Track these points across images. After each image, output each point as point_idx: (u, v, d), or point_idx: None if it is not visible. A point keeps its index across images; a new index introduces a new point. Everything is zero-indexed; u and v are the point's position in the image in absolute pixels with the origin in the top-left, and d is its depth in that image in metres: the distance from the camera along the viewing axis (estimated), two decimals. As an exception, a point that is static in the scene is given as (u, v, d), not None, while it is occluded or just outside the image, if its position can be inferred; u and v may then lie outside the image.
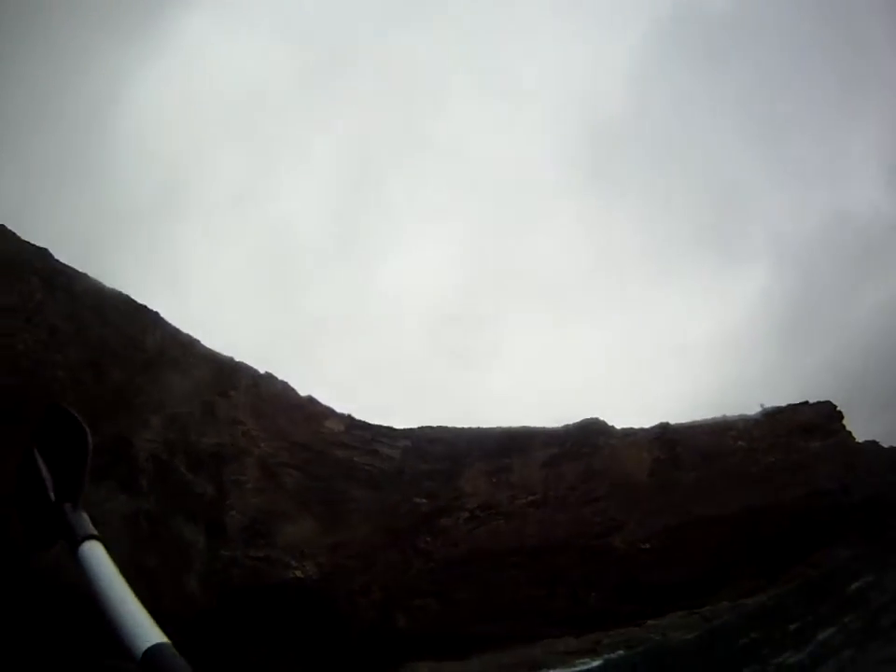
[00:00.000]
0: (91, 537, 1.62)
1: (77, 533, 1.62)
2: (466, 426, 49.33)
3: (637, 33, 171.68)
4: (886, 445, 39.15)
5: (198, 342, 37.89)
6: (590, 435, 48.09)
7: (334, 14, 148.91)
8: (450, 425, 49.26)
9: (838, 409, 40.08)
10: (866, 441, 39.18)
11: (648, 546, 39.11)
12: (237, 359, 40.37)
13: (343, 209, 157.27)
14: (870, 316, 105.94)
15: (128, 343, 34.18)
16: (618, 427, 46.85)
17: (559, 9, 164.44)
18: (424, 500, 44.51)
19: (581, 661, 32.32)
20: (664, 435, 43.93)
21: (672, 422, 44.52)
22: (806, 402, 41.08)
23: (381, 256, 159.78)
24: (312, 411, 44.58)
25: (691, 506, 39.46)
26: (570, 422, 48.67)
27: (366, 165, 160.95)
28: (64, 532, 1.64)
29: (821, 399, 41.03)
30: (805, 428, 39.17)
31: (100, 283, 33.62)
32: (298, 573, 35.97)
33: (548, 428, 49.64)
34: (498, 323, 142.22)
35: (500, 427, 49.90)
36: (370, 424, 47.23)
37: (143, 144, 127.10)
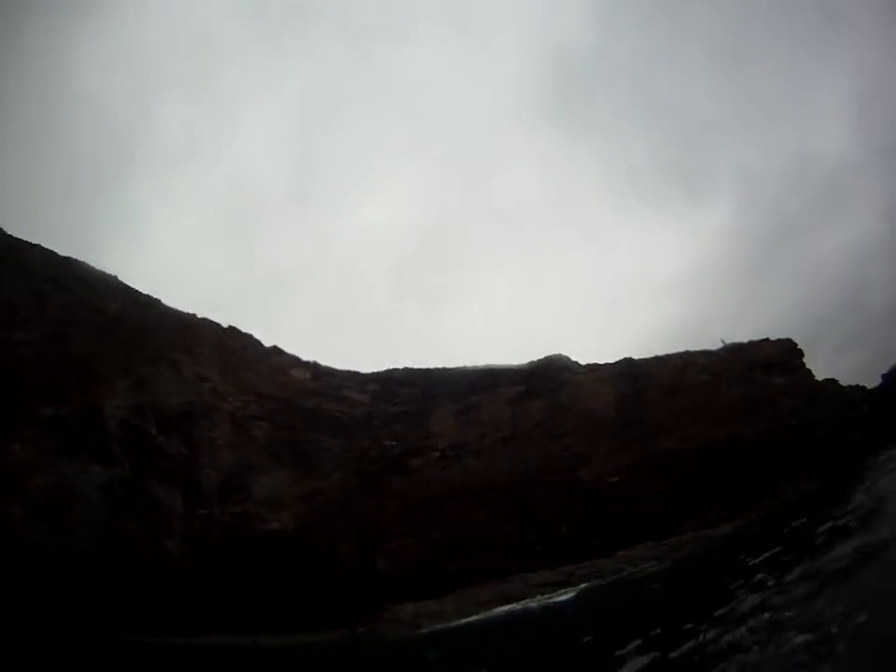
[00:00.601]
0: None
1: None
2: (433, 366, 49.55)
3: None
4: (844, 384, 40.54)
5: (159, 301, 37.01)
6: (554, 371, 48.77)
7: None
8: (417, 366, 49.43)
9: (798, 346, 41.21)
10: (825, 379, 40.48)
11: (615, 480, 40.34)
12: (199, 315, 39.57)
13: (302, 154, 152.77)
14: (833, 258, 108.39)
15: (89, 311, 33.21)
16: (583, 362, 47.43)
17: None
18: (394, 443, 45.03)
19: (556, 592, 33.51)
20: (627, 370, 44.86)
21: (636, 357, 45.26)
22: (767, 339, 42.15)
23: (342, 200, 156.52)
24: (277, 361, 44.29)
25: (655, 439, 40.67)
26: (536, 358, 49.29)
27: (324, 108, 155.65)
28: None
29: (783, 337, 42.15)
30: (767, 364, 40.29)
31: (55, 252, 32.22)
32: (275, 525, 36.36)
33: (513, 366, 50.19)
34: (463, 261, 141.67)
35: (467, 367, 50.30)
36: (336, 370, 47.17)
37: (92, 98, 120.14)
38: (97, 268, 34.77)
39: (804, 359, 40.68)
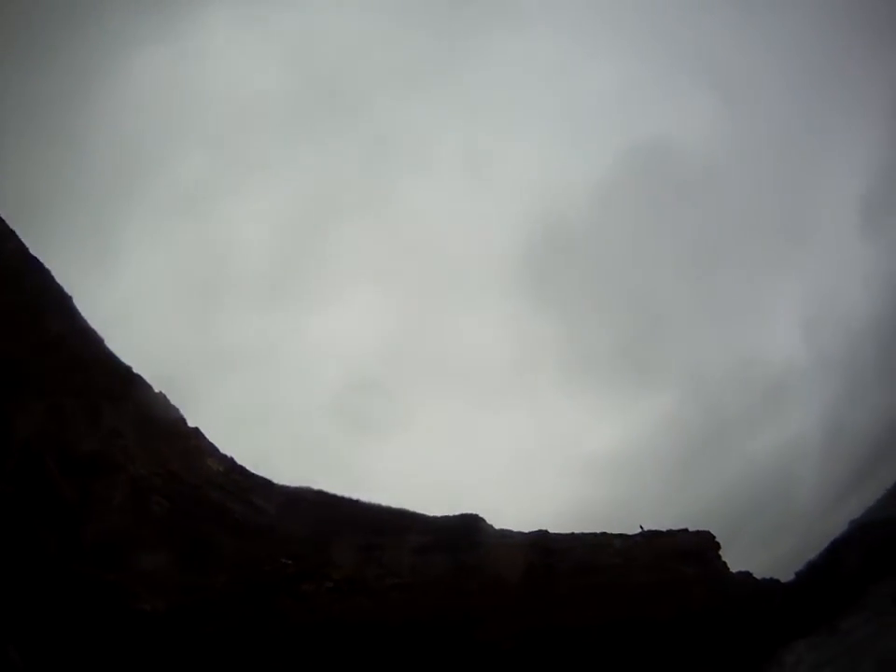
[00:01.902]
0: None
1: None
2: (346, 492, 48.29)
3: (613, 152, 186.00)
4: (760, 577, 41.38)
5: (102, 340, 35.83)
6: (466, 530, 47.97)
7: (348, 58, 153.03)
8: (331, 489, 48.05)
9: (716, 539, 42.23)
10: (740, 572, 41.26)
11: (510, 645, 38.60)
12: (135, 370, 38.31)
13: (286, 247, 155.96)
14: (764, 456, 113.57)
15: (32, 320, 31.83)
16: (498, 524, 46.98)
17: (548, 108, 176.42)
18: (290, 562, 42.49)
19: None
20: (541, 541, 44.54)
21: (553, 529, 45.27)
22: (686, 529, 43.06)
23: (310, 304, 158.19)
24: (196, 444, 42.56)
25: (558, 613, 39.66)
26: (451, 512, 48.62)
27: (321, 209, 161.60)
28: None
29: (703, 527, 43.17)
30: (682, 554, 40.89)
31: (27, 248, 31.55)
32: (147, 606, 33.03)
33: (426, 516, 49.29)
34: (408, 396, 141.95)
35: (379, 505, 49.11)
36: (250, 472, 45.39)
37: (117, 118, 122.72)
38: (57, 280, 33.80)
39: (719, 552, 41.46)
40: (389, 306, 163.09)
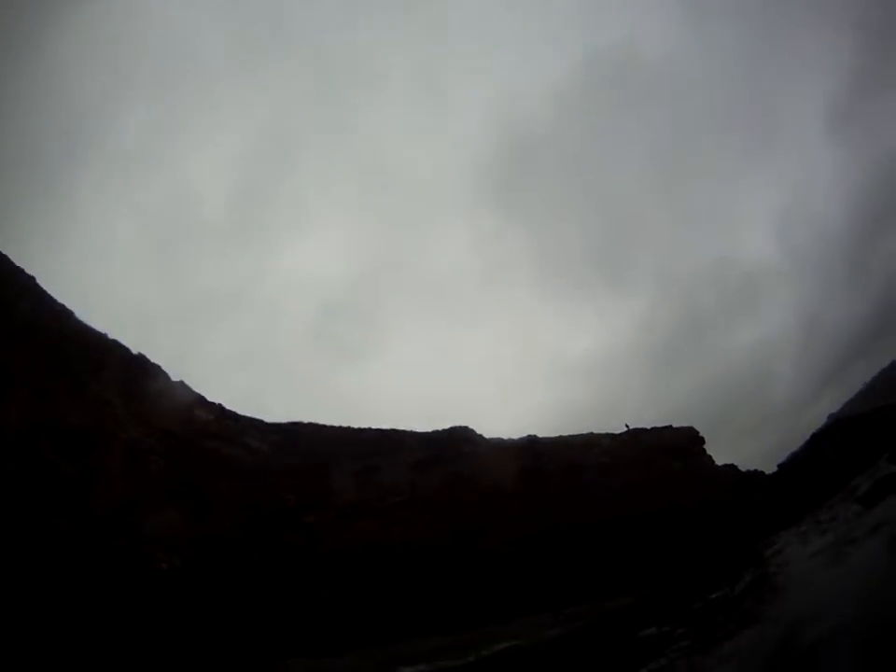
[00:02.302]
0: None
1: None
2: (338, 422, 49.14)
3: (573, 59, 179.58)
4: (743, 469, 43.46)
5: (72, 313, 35.07)
6: (458, 441, 49.46)
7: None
8: (322, 420, 48.89)
9: (700, 434, 44.10)
10: (724, 465, 43.27)
11: (512, 551, 40.74)
12: (110, 336, 37.76)
13: (247, 181, 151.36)
14: (741, 352, 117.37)
15: (1, 309, 30.96)
16: (488, 435, 48.43)
17: (503, 19, 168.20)
18: (291, 496, 43.74)
19: (451, 659, 32.90)
20: (531, 446, 46.03)
21: (541, 434, 46.78)
22: (670, 426, 44.89)
23: (277, 238, 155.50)
24: (182, 398, 42.57)
25: (553, 514, 41.62)
26: (441, 427, 49.91)
27: (279, 139, 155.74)
28: None
29: (685, 424, 45.03)
30: (668, 449, 42.70)
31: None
32: (164, 565, 34.13)
33: (417, 433, 50.52)
34: (383, 320, 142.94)
35: (371, 428, 50.15)
36: (240, 415, 45.85)
37: (56, 82, 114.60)
38: (16, 264, 32.64)
39: (704, 446, 43.47)
40: (356, 230, 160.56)
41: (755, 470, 43.38)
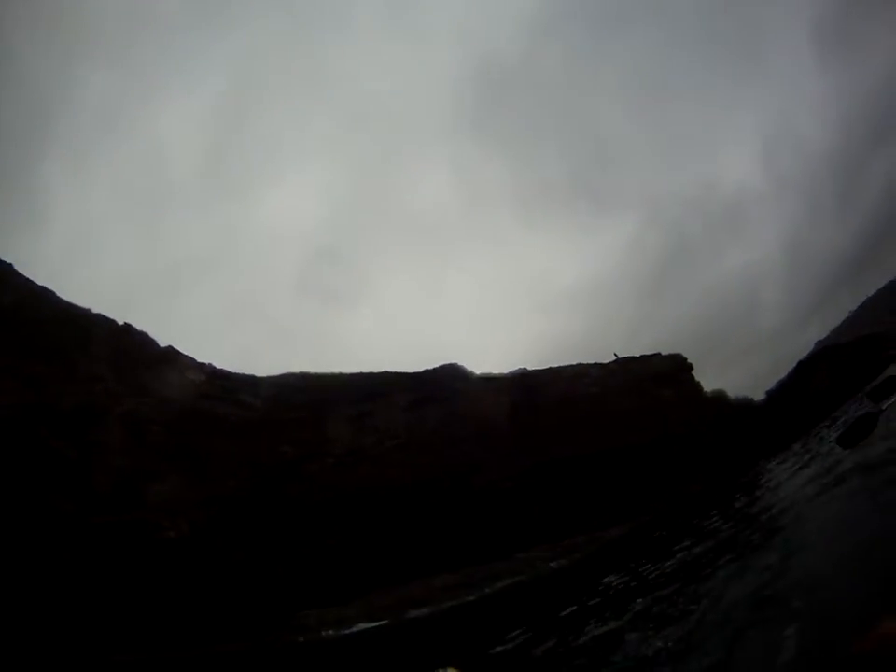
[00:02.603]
0: None
1: None
2: (329, 370, 49.76)
3: None
4: (732, 396, 44.46)
5: (54, 294, 34.82)
6: (449, 379, 50.13)
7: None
8: (312, 370, 49.48)
9: (688, 361, 44.75)
10: (714, 391, 44.24)
11: (508, 486, 42.01)
12: (95, 311, 37.63)
13: (218, 135, 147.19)
14: (728, 279, 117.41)
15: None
16: (479, 371, 49.08)
17: None
18: (289, 448, 44.65)
19: (460, 595, 34.22)
20: (522, 381, 46.72)
21: (531, 367, 47.39)
22: (659, 353, 45.45)
23: (252, 188, 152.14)
24: (172, 362, 42.76)
25: (547, 448, 42.68)
26: (432, 366, 50.45)
27: (249, 88, 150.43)
28: None
29: (674, 352, 45.57)
30: (657, 377, 43.41)
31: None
32: (171, 533, 35.20)
33: (409, 373, 51.04)
34: (367, 262, 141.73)
35: (362, 373, 50.70)
36: (231, 373, 46.22)
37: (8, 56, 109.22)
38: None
39: (692, 373, 44.24)
40: (334, 173, 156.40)
41: (744, 397, 44.44)
